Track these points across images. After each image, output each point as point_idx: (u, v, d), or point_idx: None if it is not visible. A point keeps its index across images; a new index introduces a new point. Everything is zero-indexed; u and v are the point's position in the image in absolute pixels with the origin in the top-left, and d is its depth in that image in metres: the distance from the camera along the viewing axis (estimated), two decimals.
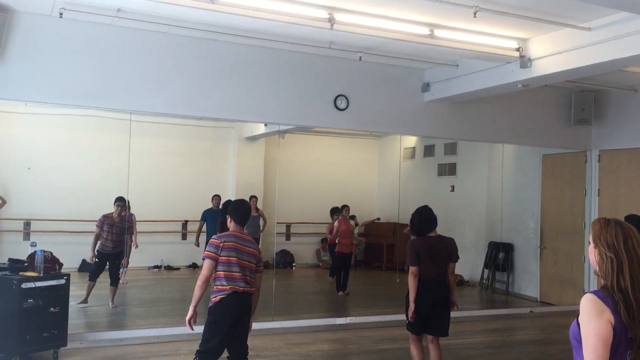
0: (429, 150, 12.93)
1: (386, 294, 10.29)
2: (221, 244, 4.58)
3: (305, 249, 13.26)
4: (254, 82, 7.69)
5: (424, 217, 5.50)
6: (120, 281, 9.65)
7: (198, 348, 4.63)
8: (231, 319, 4.56)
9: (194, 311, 4.57)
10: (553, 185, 10.48)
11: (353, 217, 12.05)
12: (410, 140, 13.01)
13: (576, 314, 2.35)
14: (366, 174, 14.05)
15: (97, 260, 8.55)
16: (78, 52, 6.78)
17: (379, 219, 11.43)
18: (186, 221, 11.62)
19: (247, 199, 10.55)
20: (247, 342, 4.76)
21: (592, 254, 2.41)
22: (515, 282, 11.08)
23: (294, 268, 12.84)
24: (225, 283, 4.55)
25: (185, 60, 7.32)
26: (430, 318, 5.41)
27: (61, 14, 6.31)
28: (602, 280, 2.35)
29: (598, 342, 2.22)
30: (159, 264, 11.53)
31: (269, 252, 11.01)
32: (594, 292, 2.32)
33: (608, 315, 2.25)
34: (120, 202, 8.48)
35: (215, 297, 4.58)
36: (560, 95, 9.60)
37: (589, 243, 2.44)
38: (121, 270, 9.45)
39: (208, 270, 4.55)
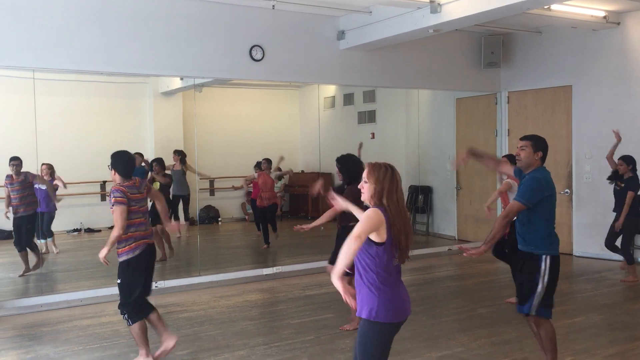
0: (348, 99, 13.03)
1: (312, 243, 10.46)
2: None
3: (230, 203, 13.21)
4: (165, 34, 7.44)
5: (357, 165, 5.84)
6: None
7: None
8: None
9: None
10: (467, 127, 10.88)
11: (280, 170, 12.05)
12: (330, 90, 13.05)
13: None
14: (287, 125, 14.04)
15: (13, 227, 8.19)
16: None
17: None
18: (104, 182, 11.26)
19: (171, 154, 10.42)
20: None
21: (365, 189, 3.19)
22: (434, 223, 11.55)
23: (219, 223, 12.81)
24: None
25: (91, 13, 6.95)
26: None
27: None
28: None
29: (367, 227, 3.01)
30: (79, 227, 11.21)
31: (193, 209, 10.91)
32: (378, 207, 3.10)
33: (384, 225, 3.06)
34: (15, 161, 8.03)
35: None
36: (470, 40, 9.87)
37: (365, 182, 3.20)
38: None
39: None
